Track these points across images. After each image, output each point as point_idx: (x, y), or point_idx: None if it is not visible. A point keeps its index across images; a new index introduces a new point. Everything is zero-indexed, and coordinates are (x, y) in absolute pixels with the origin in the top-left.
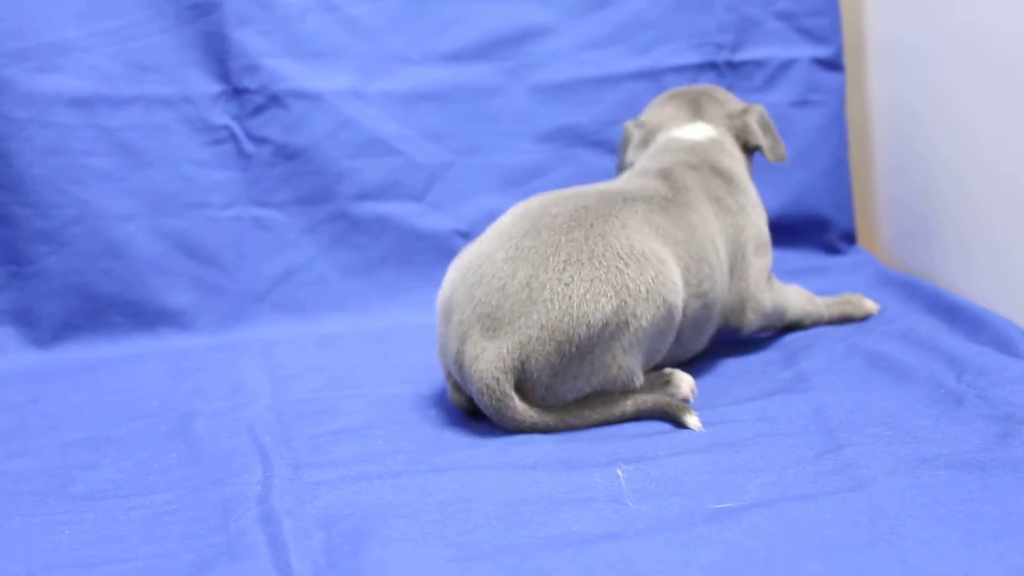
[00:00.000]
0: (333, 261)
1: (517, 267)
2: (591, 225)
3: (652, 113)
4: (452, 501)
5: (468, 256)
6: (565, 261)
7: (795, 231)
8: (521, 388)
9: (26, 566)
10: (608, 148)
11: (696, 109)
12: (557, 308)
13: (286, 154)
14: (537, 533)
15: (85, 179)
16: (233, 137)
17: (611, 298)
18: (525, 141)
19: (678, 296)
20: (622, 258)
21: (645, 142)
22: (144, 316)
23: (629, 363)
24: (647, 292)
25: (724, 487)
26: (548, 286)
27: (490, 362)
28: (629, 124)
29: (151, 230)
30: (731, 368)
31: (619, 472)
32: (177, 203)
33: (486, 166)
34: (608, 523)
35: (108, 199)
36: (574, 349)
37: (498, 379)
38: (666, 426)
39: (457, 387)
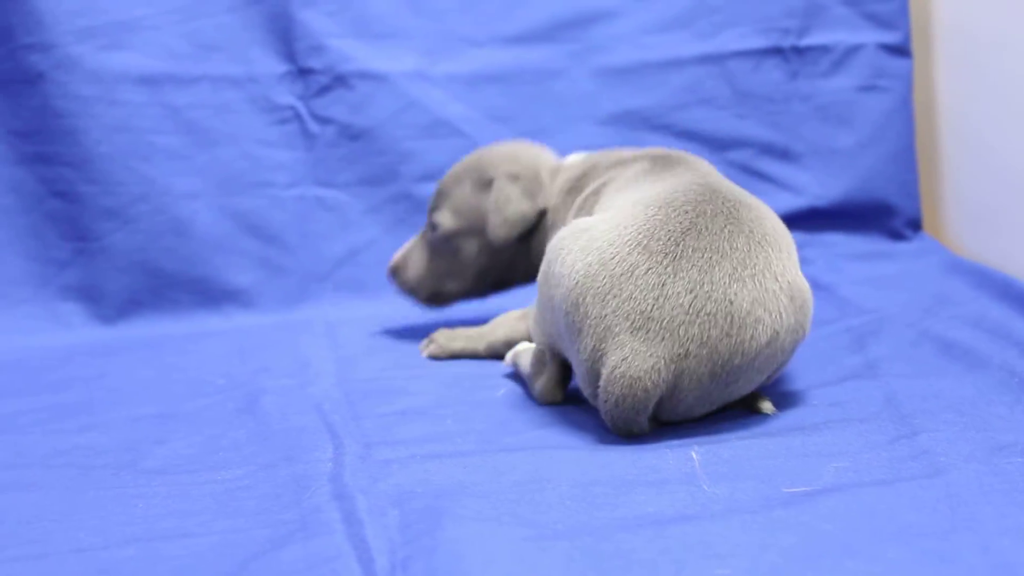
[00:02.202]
0: (396, 241)
1: (679, 267)
2: (751, 233)
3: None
4: (525, 481)
5: (602, 240)
6: (730, 275)
7: (860, 217)
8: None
9: (102, 537)
10: (672, 132)
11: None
12: (720, 327)
13: (350, 135)
14: (612, 514)
15: (151, 157)
16: (298, 117)
17: (767, 327)
18: (589, 124)
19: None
20: (778, 281)
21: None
22: (208, 294)
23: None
24: (794, 325)
25: (798, 471)
26: (713, 298)
27: (645, 371)
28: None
29: (216, 209)
30: (799, 353)
31: (693, 455)
32: (242, 182)
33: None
34: (683, 505)
35: (173, 177)
36: (725, 374)
37: (648, 391)
38: (737, 411)
39: (559, 378)
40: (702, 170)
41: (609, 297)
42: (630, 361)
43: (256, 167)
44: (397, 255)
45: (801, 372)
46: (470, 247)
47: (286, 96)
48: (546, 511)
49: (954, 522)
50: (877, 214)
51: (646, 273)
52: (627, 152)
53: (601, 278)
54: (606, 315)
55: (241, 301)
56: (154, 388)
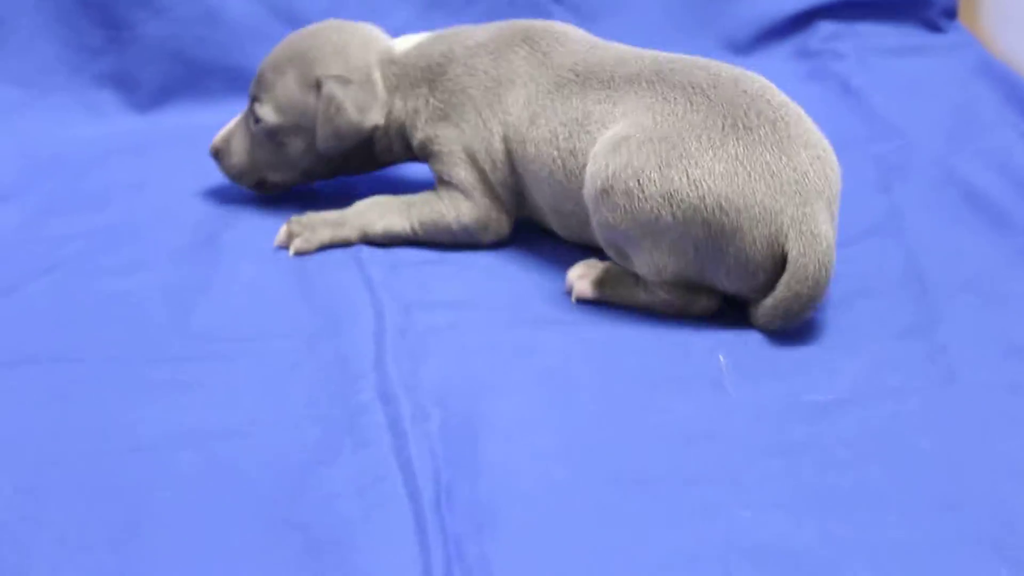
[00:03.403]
0: (428, 26)
1: (771, 136)
2: (748, 84)
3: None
4: (555, 370)
5: (687, 143)
6: (798, 128)
7: (895, 7)
8: None
9: (159, 432)
10: None
11: None
12: (831, 181)
13: None
14: (640, 422)
15: None
16: None
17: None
18: None
19: None
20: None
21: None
22: (241, 82)
23: None
24: None
25: (818, 371)
26: (818, 155)
27: (830, 235)
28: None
29: None
30: None
31: (721, 358)
32: None
33: None
34: (708, 415)
35: None
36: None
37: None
38: None
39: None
40: (588, 39)
41: (752, 182)
42: (817, 229)
43: None
44: (219, 135)
45: None
46: (296, 145)
47: None
48: (576, 417)
49: (961, 459)
50: (912, 4)
51: (829, 158)
52: (479, 33)
53: (732, 171)
54: (760, 199)
55: None
56: (191, 209)
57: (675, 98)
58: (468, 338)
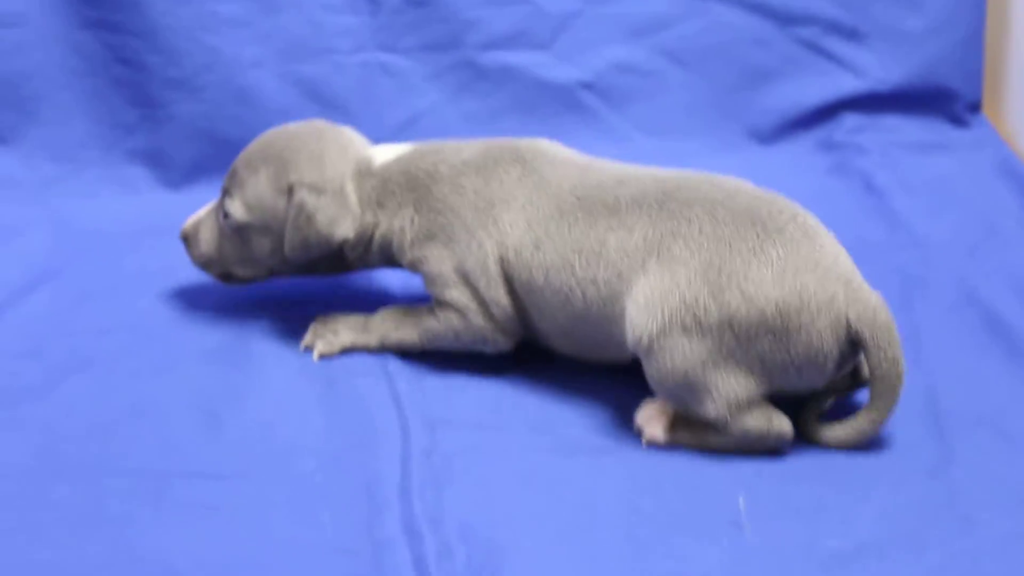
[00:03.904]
0: (457, 109)
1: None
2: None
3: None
4: (577, 506)
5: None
6: None
7: (921, 101)
8: None
9: (188, 555)
10: (741, 3)
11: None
12: None
13: (415, 1)
14: (658, 567)
15: (215, 27)
16: None
17: None
18: None
19: None
20: None
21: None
22: None
23: None
24: None
25: (837, 515)
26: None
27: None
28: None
29: (279, 76)
30: None
31: (740, 501)
32: (306, 48)
33: (615, 15)
34: (727, 562)
35: (238, 46)
36: None
37: None
38: None
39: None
40: (577, 159)
41: (801, 277)
42: (870, 300)
43: (320, 33)
44: (189, 220)
45: None
46: (263, 245)
47: None
48: (597, 559)
49: None
50: (938, 99)
51: (798, 245)
52: (464, 151)
53: (780, 274)
54: (813, 292)
55: None
56: (221, 300)
57: (696, 216)
58: (492, 464)
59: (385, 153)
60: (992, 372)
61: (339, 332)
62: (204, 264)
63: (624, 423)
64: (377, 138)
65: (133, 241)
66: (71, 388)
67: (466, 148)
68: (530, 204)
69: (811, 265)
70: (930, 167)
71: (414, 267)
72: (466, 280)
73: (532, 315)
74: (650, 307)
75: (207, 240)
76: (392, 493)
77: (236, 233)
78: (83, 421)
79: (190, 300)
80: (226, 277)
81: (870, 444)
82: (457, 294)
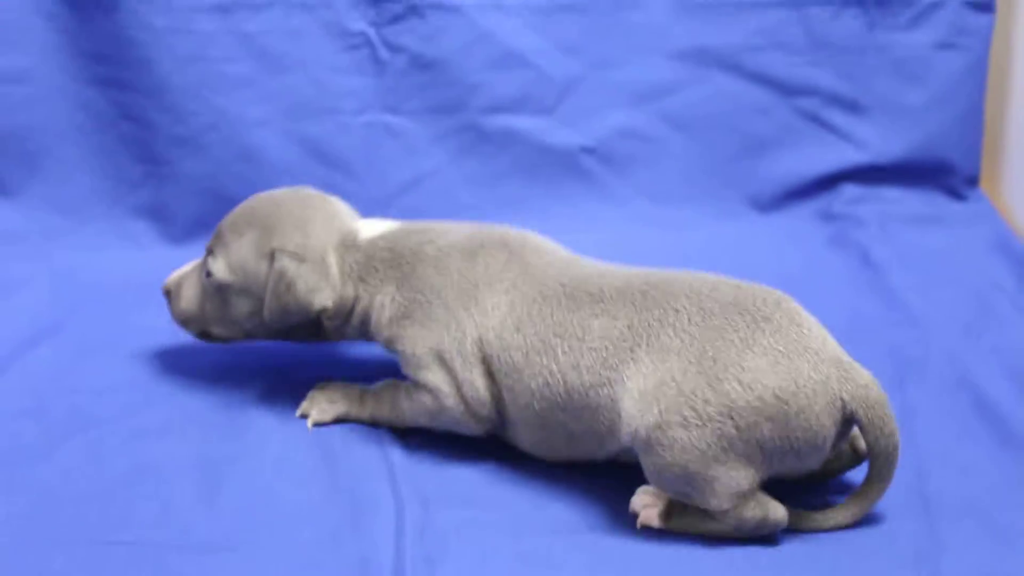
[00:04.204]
0: (460, 171)
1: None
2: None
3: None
4: None
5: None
6: None
7: (920, 174)
8: None
9: None
10: (743, 74)
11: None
12: None
13: (421, 64)
14: None
15: (222, 86)
16: (369, 44)
17: None
18: (659, 58)
19: None
20: None
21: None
22: None
23: None
24: None
25: None
26: None
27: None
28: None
29: (284, 135)
30: None
31: None
32: (310, 108)
33: (618, 81)
34: None
35: (244, 105)
36: None
37: None
38: None
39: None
40: (562, 253)
41: (795, 363)
42: (862, 379)
43: (325, 93)
44: (172, 276)
45: None
46: (242, 306)
47: (358, 22)
48: None
49: None
50: (936, 172)
51: (787, 332)
52: (452, 233)
53: (775, 360)
54: (808, 375)
55: None
56: (221, 360)
57: (683, 307)
58: (485, 543)
59: (372, 228)
60: (982, 459)
61: (335, 401)
62: (183, 320)
63: (618, 501)
64: (380, 198)
65: (135, 296)
66: (70, 450)
67: (454, 230)
68: (513, 288)
69: (801, 350)
70: (927, 241)
71: (390, 345)
72: (441, 361)
73: (507, 402)
74: (645, 400)
75: (188, 297)
76: (386, 572)
77: (217, 292)
78: (82, 485)
79: (191, 359)
80: (204, 335)
81: (860, 528)
82: (431, 376)
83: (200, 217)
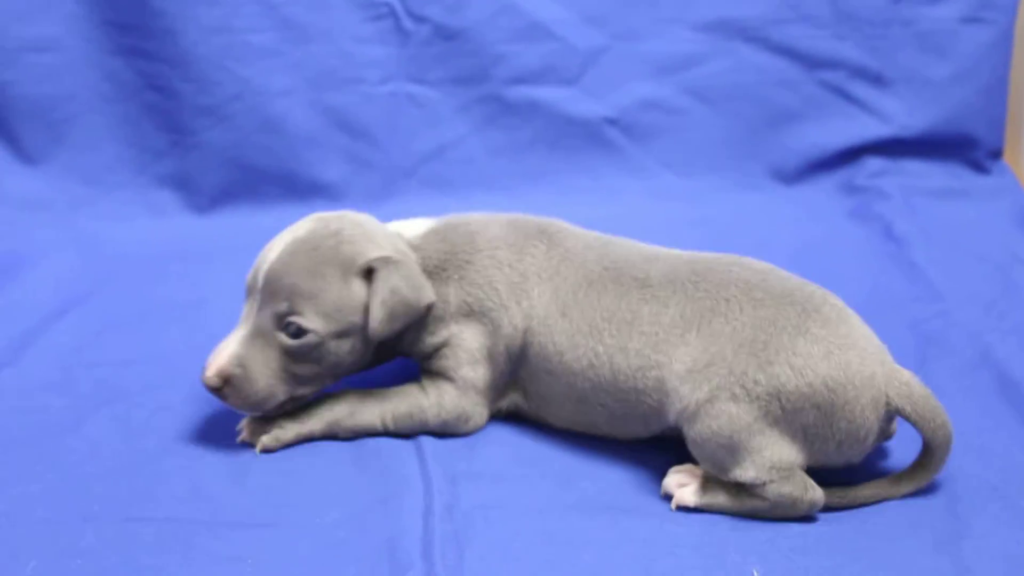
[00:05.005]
0: (483, 141)
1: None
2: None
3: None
4: (596, 572)
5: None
6: None
7: (944, 147)
8: None
9: None
10: (767, 46)
11: None
12: None
13: (445, 34)
14: None
15: (247, 56)
16: (393, 14)
17: None
18: (683, 29)
19: None
20: None
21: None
22: (297, 187)
23: None
24: None
25: None
26: None
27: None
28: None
29: (308, 105)
30: None
31: (755, 573)
32: (335, 78)
33: (642, 53)
34: None
35: (268, 75)
36: None
37: None
38: None
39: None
40: (595, 235)
41: (844, 354)
42: (904, 377)
43: (349, 63)
44: (224, 362)
45: None
46: (343, 347)
47: None
48: None
49: None
50: (960, 145)
51: (836, 325)
52: (492, 226)
53: (826, 350)
54: (856, 369)
55: (329, 195)
56: None
57: (734, 297)
58: (513, 522)
59: (410, 227)
60: (1006, 441)
61: (284, 425)
62: (259, 401)
63: (644, 478)
64: (403, 168)
65: (160, 267)
66: (97, 424)
67: (493, 224)
68: (557, 275)
69: (850, 344)
70: (950, 214)
71: (440, 345)
72: (489, 359)
73: (541, 384)
74: (695, 379)
75: (265, 374)
76: (415, 551)
77: (314, 349)
78: (110, 461)
79: (217, 331)
80: (279, 407)
81: (882, 512)
82: (471, 373)
83: (224, 187)
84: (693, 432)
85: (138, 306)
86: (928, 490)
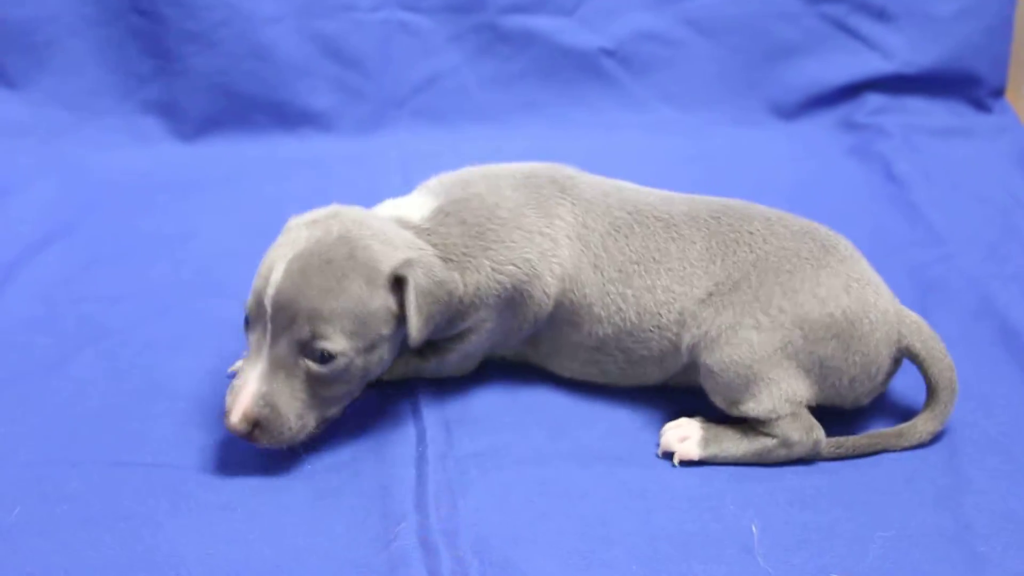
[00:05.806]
0: (476, 71)
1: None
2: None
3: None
4: (592, 523)
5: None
6: None
7: (946, 85)
8: None
9: (204, 557)
10: None
11: None
12: None
13: None
14: None
15: None
16: None
17: None
18: None
19: None
20: None
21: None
22: (286, 116)
23: None
24: None
25: (847, 541)
26: None
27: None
28: None
29: (297, 32)
30: None
31: (753, 528)
32: (325, 4)
33: None
34: None
35: (256, 1)
36: None
37: None
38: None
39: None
40: (604, 179)
41: (861, 289)
42: (912, 317)
43: None
44: (247, 403)
45: None
46: (372, 360)
47: None
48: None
49: None
50: (962, 83)
51: (851, 263)
52: (505, 188)
53: (845, 283)
54: (873, 303)
55: (319, 124)
56: (236, 269)
57: (756, 230)
58: (508, 471)
59: (410, 209)
60: (1006, 393)
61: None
62: (295, 434)
63: (641, 430)
64: (395, 98)
65: (146, 196)
66: (82, 363)
67: (500, 185)
68: (585, 228)
69: (866, 281)
70: (951, 155)
71: (469, 329)
72: (508, 334)
73: (558, 334)
74: (719, 303)
75: (295, 408)
76: (408, 501)
77: (344, 372)
78: (95, 402)
79: (204, 266)
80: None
81: (881, 465)
82: (478, 348)
83: (210, 114)
84: (711, 360)
85: (124, 238)
86: (927, 441)
